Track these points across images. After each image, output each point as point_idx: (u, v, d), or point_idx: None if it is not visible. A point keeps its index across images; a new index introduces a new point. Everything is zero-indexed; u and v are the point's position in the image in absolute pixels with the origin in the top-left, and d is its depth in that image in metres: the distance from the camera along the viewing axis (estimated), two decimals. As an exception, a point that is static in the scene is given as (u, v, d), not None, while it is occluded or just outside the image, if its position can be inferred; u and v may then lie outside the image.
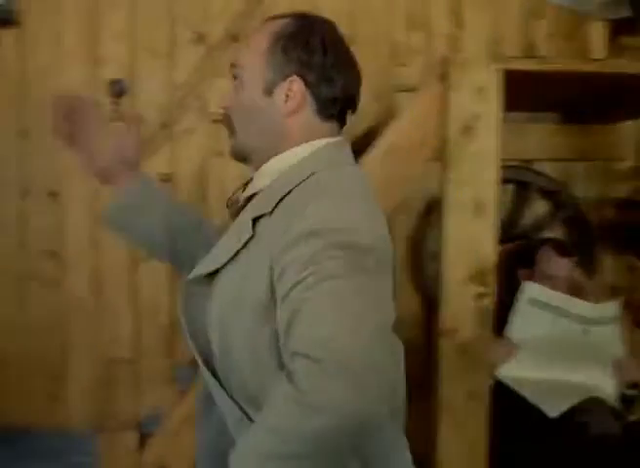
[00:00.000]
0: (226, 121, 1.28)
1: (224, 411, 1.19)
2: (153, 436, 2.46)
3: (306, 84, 1.21)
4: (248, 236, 1.17)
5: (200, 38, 3.51)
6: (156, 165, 2.73)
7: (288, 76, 1.21)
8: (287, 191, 1.18)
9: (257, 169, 1.28)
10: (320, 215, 1.10)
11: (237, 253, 1.17)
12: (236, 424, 1.17)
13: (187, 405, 2.37)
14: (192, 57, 3.47)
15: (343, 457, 1.08)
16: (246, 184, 1.33)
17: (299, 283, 1.06)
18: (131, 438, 2.49)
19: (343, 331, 1.02)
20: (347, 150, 1.28)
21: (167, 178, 2.79)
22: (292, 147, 1.24)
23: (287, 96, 1.21)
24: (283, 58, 1.21)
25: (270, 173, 1.24)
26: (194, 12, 3.53)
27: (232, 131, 1.28)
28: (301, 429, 1.00)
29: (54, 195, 3.51)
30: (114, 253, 2.59)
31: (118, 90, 2.41)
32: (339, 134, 1.29)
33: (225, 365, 1.18)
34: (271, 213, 1.17)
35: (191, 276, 1.23)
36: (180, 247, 1.44)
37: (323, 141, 1.24)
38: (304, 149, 1.23)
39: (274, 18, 1.25)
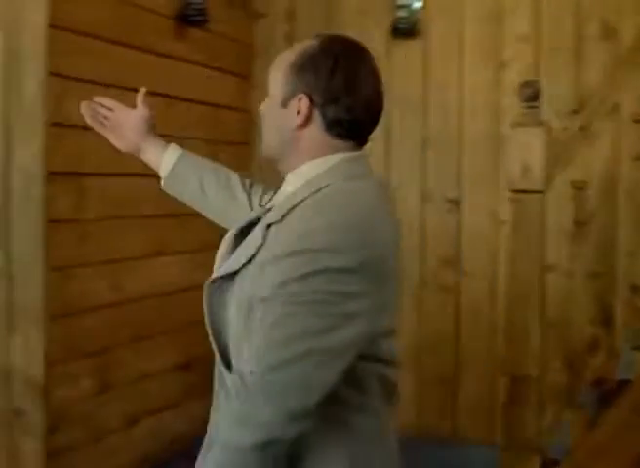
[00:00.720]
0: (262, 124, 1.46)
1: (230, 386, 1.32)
2: (559, 465, 2.28)
3: (313, 103, 1.34)
4: (259, 243, 1.31)
5: (610, 34, 3.25)
6: (570, 173, 2.55)
7: (298, 94, 1.34)
8: (297, 202, 1.30)
9: (284, 175, 1.43)
10: (307, 234, 1.23)
11: (252, 256, 1.30)
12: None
13: (597, 437, 2.15)
14: (602, 54, 3.24)
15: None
16: (278, 189, 1.48)
17: (267, 300, 1.22)
18: (534, 462, 2.35)
19: (278, 359, 1.17)
20: (363, 164, 1.39)
21: (581, 186, 2.58)
22: (306, 159, 1.38)
23: (297, 111, 1.35)
24: (296, 77, 1.35)
25: (293, 182, 1.39)
26: (604, 5, 3.27)
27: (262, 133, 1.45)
28: (231, 441, 1.19)
29: (454, 202, 3.51)
30: (520, 262, 2.47)
31: (531, 93, 2.28)
32: (356, 150, 1.38)
33: (237, 357, 1.30)
34: (281, 221, 1.29)
35: (214, 276, 1.37)
36: (210, 199, 1.72)
37: (338, 156, 1.37)
38: (322, 163, 1.37)
39: (313, 38, 1.38)
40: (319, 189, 1.32)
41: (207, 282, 1.38)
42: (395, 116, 3.54)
